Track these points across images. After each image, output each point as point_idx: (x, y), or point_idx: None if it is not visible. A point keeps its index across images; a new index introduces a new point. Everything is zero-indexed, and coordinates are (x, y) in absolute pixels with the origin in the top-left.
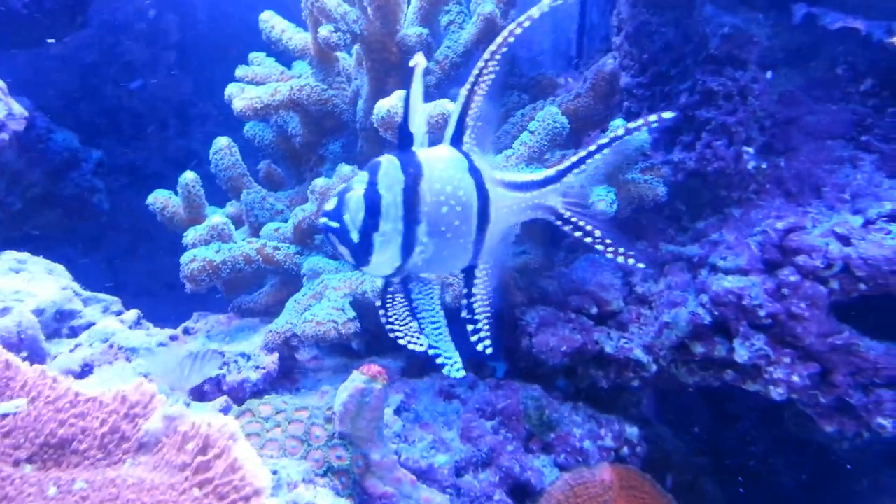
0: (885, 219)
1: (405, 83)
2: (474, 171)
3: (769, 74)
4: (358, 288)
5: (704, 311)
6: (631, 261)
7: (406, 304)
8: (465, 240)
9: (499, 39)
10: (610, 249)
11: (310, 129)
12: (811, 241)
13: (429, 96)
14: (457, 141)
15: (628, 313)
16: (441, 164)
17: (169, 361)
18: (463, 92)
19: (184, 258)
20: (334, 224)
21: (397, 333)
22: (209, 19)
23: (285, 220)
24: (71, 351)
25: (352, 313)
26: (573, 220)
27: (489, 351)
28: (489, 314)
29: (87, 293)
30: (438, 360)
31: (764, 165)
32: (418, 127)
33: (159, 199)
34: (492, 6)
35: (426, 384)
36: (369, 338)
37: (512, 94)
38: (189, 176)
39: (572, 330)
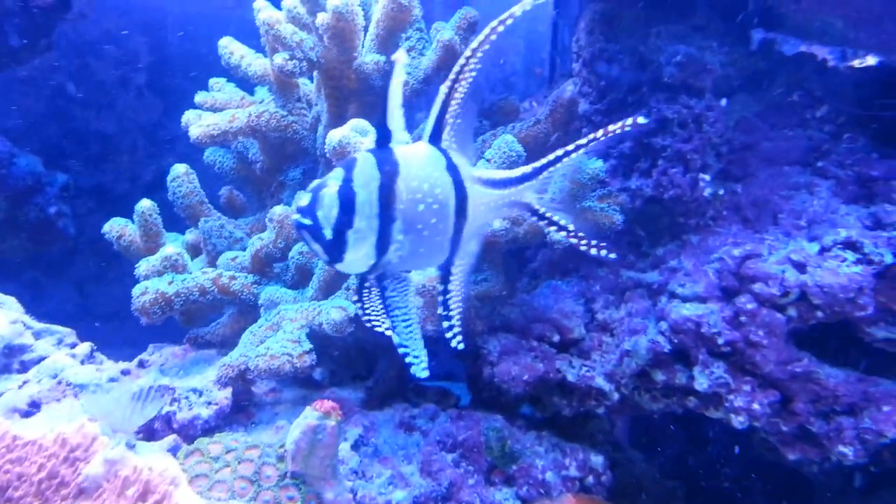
0: (840, 246)
1: (364, 109)
2: (452, 169)
3: (724, 102)
4: (315, 319)
5: (664, 338)
6: (603, 252)
7: (380, 300)
8: (442, 237)
9: (480, 37)
10: (583, 242)
11: (270, 155)
12: (767, 269)
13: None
14: (435, 138)
15: (590, 340)
16: (418, 162)
17: (114, 401)
18: (443, 90)
19: (135, 290)
20: (307, 221)
21: (374, 323)
22: (180, 41)
23: (245, 249)
24: (19, 387)
25: (308, 345)
26: (547, 215)
27: (461, 346)
28: (462, 310)
29: (40, 325)
30: (407, 359)
31: (721, 192)
32: (396, 124)
33: (115, 227)
34: (451, 33)
35: (386, 416)
36: (332, 366)
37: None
38: (145, 204)
39: (534, 358)
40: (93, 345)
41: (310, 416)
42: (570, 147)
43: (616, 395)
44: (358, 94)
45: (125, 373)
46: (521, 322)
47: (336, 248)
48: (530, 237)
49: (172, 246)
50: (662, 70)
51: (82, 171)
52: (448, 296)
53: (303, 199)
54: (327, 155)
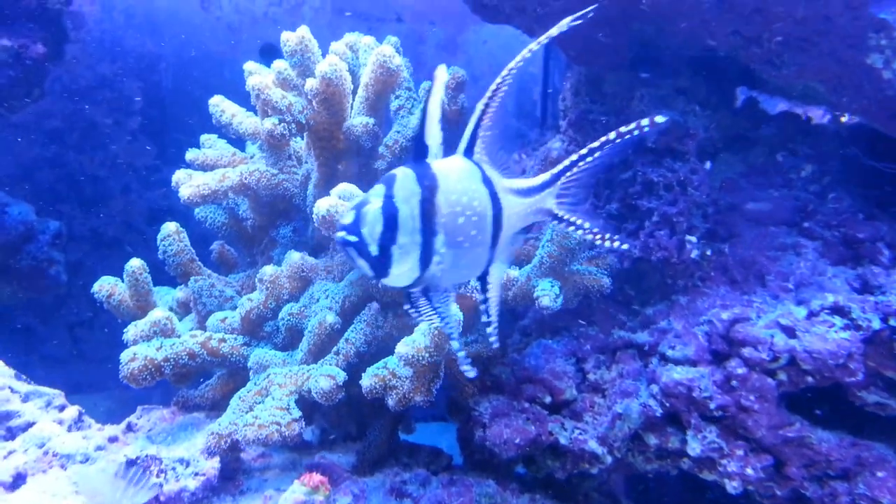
0: (828, 311)
1: (354, 169)
2: (487, 182)
3: (708, 165)
4: (304, 385)
5: (655, 402)
6: (625, 246)
7: (431, 308)
8: (482, 249)
9: (518, 57)
10: (603, 237)
11: (260, 212)
12: (756, 333)
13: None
14: (468, 152)
15: (582, 402)
16: (456, 175)
17: (101, 475)
18: (479, 106)
19: (123, 356)
20: (353, 238)
21: (430, 321)
22: (174, 85)
23: (235, 307)
24: (4, 458)
25: (297, 413)
26: (566, 217)
27: (496, 345)
28: (498, 313)
29: (28, 387)
30: (459, 354)
31: (709, 252)
32: (433, 139)
33: (105, 286)
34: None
35: (377, 482)
36: (325, 423)
37: None
38: (134, 264)
39: (526, 420)
40: (81, 409)
41: (297, 490)
42: (584, 151)
43: (609, 459)
44: (348, 154)
45: (112, 440)
46: (513, 383)
47: (382, 264)
48: (519, 300)
49: (161, 310)
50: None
51: (76, 216)
52: (487, 304)
53: (346, 217)
54: (316, 225)
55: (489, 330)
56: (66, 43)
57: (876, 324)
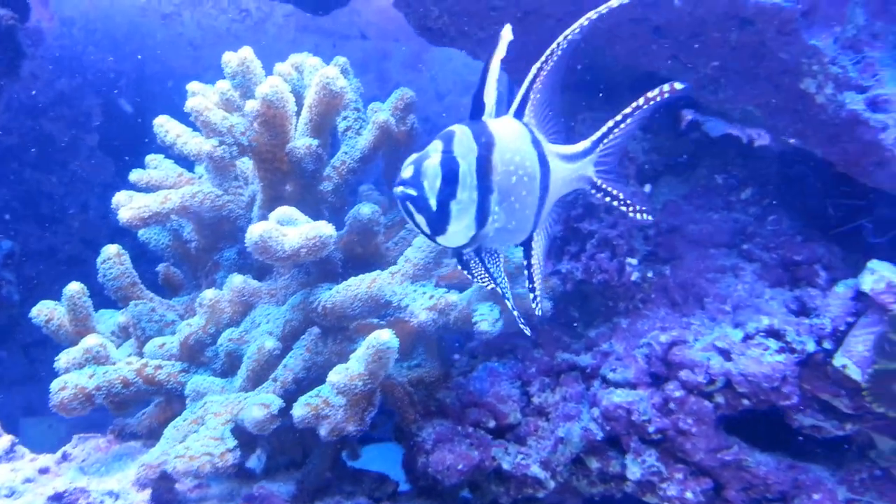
0: (763, 334)
1: (301, 191)
2: (536, 143)
3: (648, 188)
4: (239, 414)
5: (596, 426)
6: (649, 217)
7: (483, 269)
8: (531, 210)
9: (575, 25)
10: (636, 209)
11: (204, 234)
12: (693, 356)
13: (326, 202)
14: (519, 113)
15: (526, 426)
16: (510, 135)
17: None
18: (533, 69)
19: (53, 385)
20: (412, 191)
21: (483, 283)
22: (134, 101)
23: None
24: None
25: (231, 442)
26: (604, 187)
27: (539, 313)
28: (542, 280)
29: None
30: (515, 312)
31: (650, 274)
32: (490, 97)
33: (43, 310)
34: (386, 115)
35: None
36: (269, 450)
37: None
38: (73, 288)
39: (469, 446)
40: (14, 438)
41: None
42: (619, 118)
43: (552, 483)
44: (293, 176)
45: (43, 471)
46: (457, 407)
47: (440, 220)
48: (460, 324)
49: (94, 336)
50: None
51: (33, 233)
52: (531, 269)
53: (406, 170)
54: (248, 250)
55: (532, 296)
56: (22, 59)
57: (810, 347)
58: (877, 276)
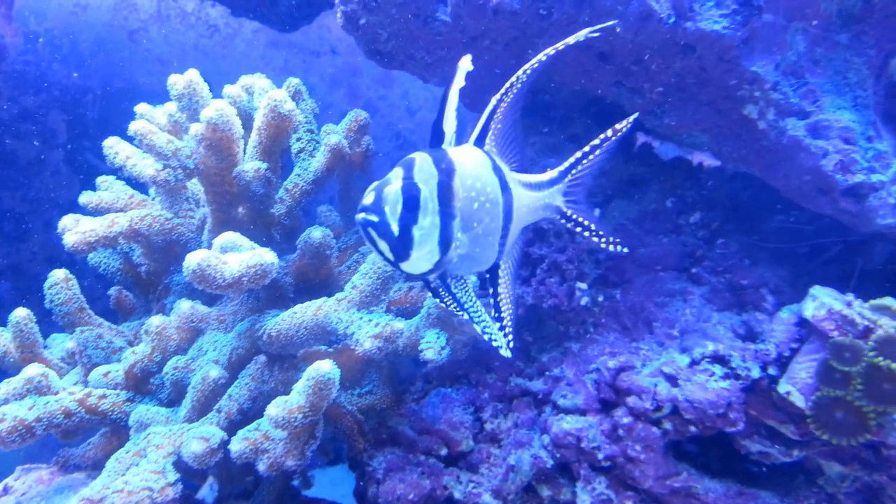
0: (709, 360)
1: (253, 214)
2: (497, 171)
3: (597, 212)
4: (182, 447)
5: (547, 453)
6: (625, 249)
7: (450, 298)
8: (494, 237)
9: (535, 59)
10: (608, 241)
11: (154, 258)
12: (640, 382)
13: (279, 225)
14: (479, 142)
15: (478, 453)
16: (471, 162)
17: None
18: (494, 99)
19: None
20: (373, 217)
21: (455, 310)
22: (101, 117)
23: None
24: None
25: (173, 476)
26: (574, 217)
27: (511, 347)
28: (512, 311)
29: None
30: (494, 344)
31: (601, 298)
32: (450, 125)
33: None
34: (338, 137)
35: None
36: (221, 480)
37: None
38: (19, 314)
39: (421, 475)
40: None
41: None
42: (587, 149)
43: None
44: (243, 199)
45: None
46: (409, 435)
47: (403, 246)
48: (409, 351)
49: (36, 366)
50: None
51: None
52: (498, 298)
53: (367, 196)
54: (187, 279)
55: (498, 326)
56: None
57: (755, 373)
58: (818, 302)
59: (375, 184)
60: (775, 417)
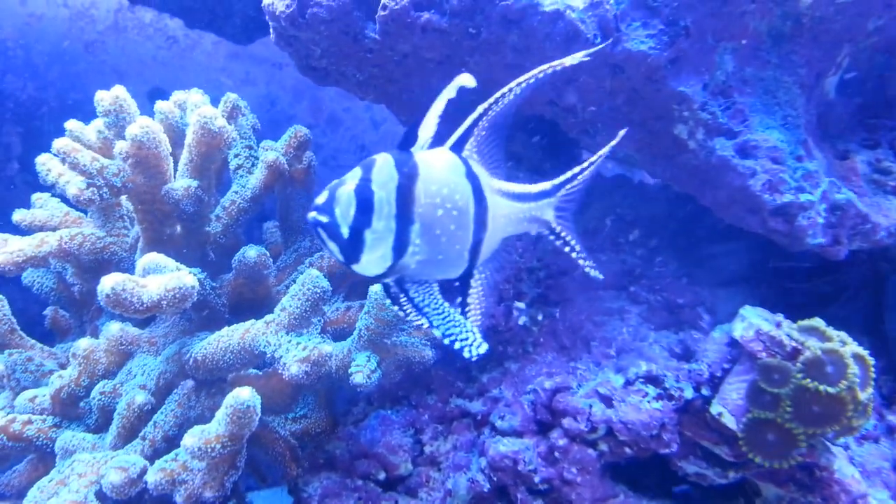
0: (642, 380)
1: (187, 234)
2: (472, 177)
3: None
4: (105, 476)
5: (483, 476)
6: (601, 276)
7: (409, 302)
8: (461, 245)
9: (529, 73)
10: (587, 264)
11: (85, 278)
12: (575, 404)
13: (215, 243)
14: (457, 147)
15: (417, 476)
16: (438, 166)
17: None
18: (481, 107)
19: None
20: (324, 218)
21: (413, 320)
22: (57, 130)
23: None
24: None
25: None
26: (562, 234)
27: (477, 353)
28: (480, 324)
29: None
30: (455, 346)
31: (540, 317)
32: (427, 130)
33: None
34: (276, 154)
35: None
36: None
37: (304, 240)
38: None
39: (357, 500)
40: None
41: None
42: (585, 164)
43: None
44: (177, 217)
45: None
46: (346, 459)
47: (353, 248)
48: (342, 373)
49: None
50: None
51: None
52: (466, 308)
53: (320, 196)
54: (101, 304)
55: (468, 337)
56: None
57: (689, 393)
58: (746, 323)
59: (332, 183)
60: (710, 438)
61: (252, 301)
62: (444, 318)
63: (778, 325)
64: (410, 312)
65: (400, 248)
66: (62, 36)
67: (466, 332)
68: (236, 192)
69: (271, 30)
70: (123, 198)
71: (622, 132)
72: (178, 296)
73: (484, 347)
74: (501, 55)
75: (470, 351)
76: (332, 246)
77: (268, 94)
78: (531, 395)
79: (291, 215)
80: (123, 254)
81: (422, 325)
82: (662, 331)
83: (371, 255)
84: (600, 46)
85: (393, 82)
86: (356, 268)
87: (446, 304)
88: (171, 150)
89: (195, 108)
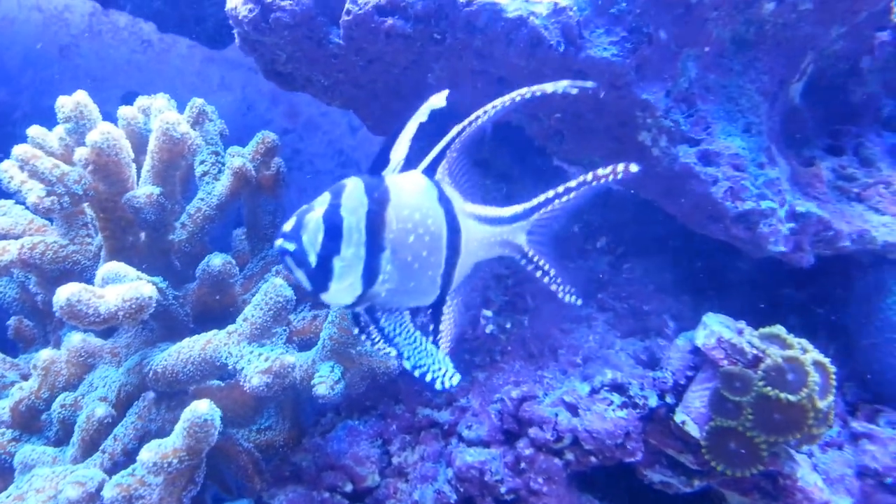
0: (608, 388)
1: (150, 242)
2: (444, 201)
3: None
4: (62, 492)
5: (450, 488)
6: (579, 301)
7: (378, 332)
8: (434, 272)
9: (506, 97)
10: (565, 290)
11: (48, 287)
12: (541, 413)
13: (179, 251)
14: (430, 170)
15: (385, 488)
16: (410, 191)
17: None
18: (455, 129)
19: None
20: (290, 246)
21: (382, 350)
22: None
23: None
24: None
25: None
26: (535, 259)
27: (450, 382)
28: (449, 350)
29: None
30: (427, 378)
31: (509, 325)
32: (398, 153)
33: None
34: (242, 160)
35: None
36: None
37: (271, 247)
38: None
39: None
40: None
41: None
42: (560, 189)
43: None
44: (139, 225)
45: None
46: (313, 471)
47: (321, 277)
48: (307, 384)
49: None
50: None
51: None
52: (438, 336)
53: (288, 223)
54: (57, 314)
55: (440, 367)
56: None
57: (653, 401)
58: (708, 330)
59: (301, 209)
60: (674, 447)
61: (217, 310)
62: (414, 349)
63: (740, 332)
64: (379, 342)
65: (370, 276)
66: (35, 40)
67: (438, 362)
68: (202, 200)
69: (236, 35)
70: (87, 205)
71: (632, 167)
72: (135, 306)
73: (457, 379)
74: (466, 60)
75: (442, 383)
76: (300, 274)
77: (244, 98)
78: (498, 404)
79: (259, 223)
80: (87, 262)
81: (390, 354)
82: (629, 338)
83: (340, 283)
84: (590, 84)
85: (359, 87)
86: (325, 297)
87: (417, 333)
88: (133, 156)
89: (158, 113)
